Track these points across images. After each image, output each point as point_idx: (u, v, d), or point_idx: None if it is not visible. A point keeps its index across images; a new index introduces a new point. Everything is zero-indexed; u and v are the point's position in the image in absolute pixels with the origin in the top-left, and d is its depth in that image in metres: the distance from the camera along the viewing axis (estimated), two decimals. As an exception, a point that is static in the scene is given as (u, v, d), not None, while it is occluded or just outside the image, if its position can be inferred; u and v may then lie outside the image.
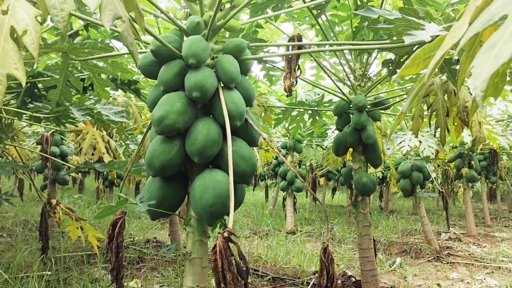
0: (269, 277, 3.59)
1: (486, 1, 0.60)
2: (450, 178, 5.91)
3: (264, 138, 1.71)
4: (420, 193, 5.27)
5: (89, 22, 3.00)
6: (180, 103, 1.57)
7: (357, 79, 3.19)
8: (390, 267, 4.33)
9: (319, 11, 2.73)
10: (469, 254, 5.13)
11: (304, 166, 11.51)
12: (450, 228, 7.27)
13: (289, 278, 3.59)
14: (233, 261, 1.20)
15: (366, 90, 3.16)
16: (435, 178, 6.89)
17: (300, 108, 3.77)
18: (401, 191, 5.29)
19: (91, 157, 3.29)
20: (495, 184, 10.55)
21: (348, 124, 3.15)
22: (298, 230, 6.29)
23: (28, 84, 2.88)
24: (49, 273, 3.29)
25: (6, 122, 3.16)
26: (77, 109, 2.76)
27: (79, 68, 2.96)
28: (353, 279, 3.35)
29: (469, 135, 4.17)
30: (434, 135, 2.33)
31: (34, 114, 2.92)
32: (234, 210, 1.67)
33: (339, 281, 3.30)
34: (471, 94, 2.31)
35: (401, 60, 2.13)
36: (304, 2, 2.68)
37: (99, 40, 2.43)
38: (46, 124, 3.57)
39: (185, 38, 1.78)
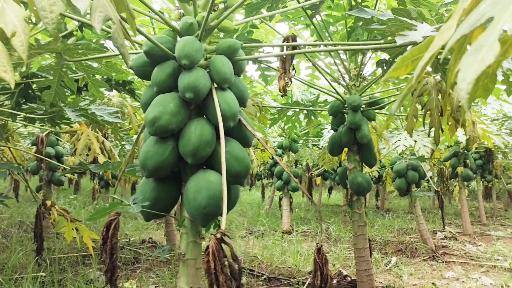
0: (264, 277, 3.59)
1: (475, 2, 0.60)
2: (446, 177, 5.93)
3: (258, 139, 1.71)
4: (415, 192, 5.28)
5: (83, 23, 2.99)
6: (173, 104, 1.57)
7: (352, 79, 3.19)
8: (386, 266, 4.34)
9: (313, 11, 2.73)
10: (465, 253, 5.15)
11: (300, 166, 11.53)
12: (446, 227, 7.28)
13: (284, 278, 3.59)
14: (226, 263, 1.20)
15: (361, 90, 3.16)
16: (430, 177, 6.91)
17: (295, 108, 3.77)
18: (397, 190, 5.30)
19: (85, 157, 3.27)
20: (490, 183, 10.59)
21: (343, 124, 3.16)
22: (294, 230, 6.29)
23: (22, 85, 2.86)
24: (44, 274, 3.28)
25: (1, 123, 3.15)
26: (71, 109, 2.75)
27: (74, 68, 2.96)
28: (349, 279, 3.36)
29: (463, 134, 4.18)
30: (429, 135, 2.33)
31: (28, 115, 2.91)
32: (228, 210, 1.67)
33: (335, 281, 3.30)
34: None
35: (395, 60, 2.13)
36: (299, 2, 2.68)
37: (94, 40, 2.43)
38: (41, 125, 3.56)
39: (178, 39, 1.78)
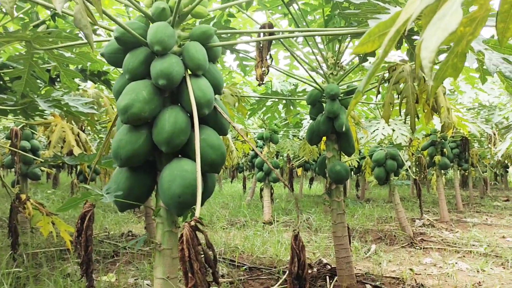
0: (245, 267, 3.59)
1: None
2: (423, 165, 6.02)
3: (234, 126, 1.69)
4: (394, 181, 5.35)
5: (56, 12, 2.91)
6: (146, 91, 1.54)
7: (330, 68, 3.19)
8: (366, 254, 4.39)
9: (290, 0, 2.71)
10: (442, 240, 5.24)
11: (281, 157, 11.55)
12: (424, 214, 7.41)
13: (265, 267, 3.60)
14: (201, 250, 1.18)
15: (339, 79, 3.17)
16: (409, 166, 7.01)
17: (274, 98, 3.76)
18: (376, 179, 5.35)
19: (60, 150, 3.20)
20: (467, 171, 10.81)
21: (321, 113, 3.16)
22: (275, 220, 6.31)
23: (-8, 75, 2.78)
24: (20, 269, 3.21)
25: (-30, 115, 3.05)
26: (43, 100, 2.68)
27: (46, 59, 2.88)
28: (329, 267, 3.38)
29: (440, 123, 4.23)
30: (404, 122, 2.35)
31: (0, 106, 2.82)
32: (205, 199, 1.65)
33: (315, 269, 3.32)
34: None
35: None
36: (275, -10, 2.66)
37: (68, 31, 2.36)
38: (16, 118, 3.47)
39: (151, 25, 1.74)
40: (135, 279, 3.22)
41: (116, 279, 3.19)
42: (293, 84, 4.48)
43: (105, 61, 3.49)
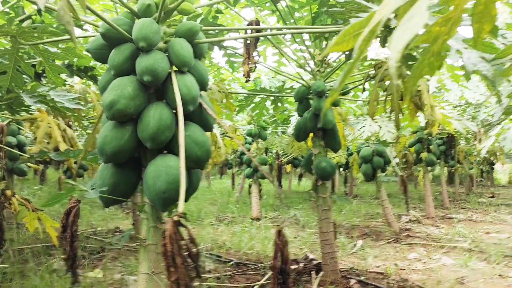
0: (232, 262, 3.61)
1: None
2: (409, 162, 6.09)
3: (219, 122, 1.70)
4: (381, 177, 5.40)
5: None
6: (131, 87, 1.54)
7: (317, 65, 3.21)
8: (352, 250, 4.43)
9: (277, -4, 2.72)
10: (427, 235, 5.31)
11: (270, 153, 11.58)
12: (411, 210, 7.49)
13: (252, 263, 3.62)
14: (184, 245, 1.19)
15: (326, 76, 3.19)
16: (397, 163, 7.08)
17: (262, 95, 3.77)
18: (363, 175, 5.40)
19: (46, 146, 3.19)
20: (453, 168, 10.94)
21: (308, 110, 3.18)
22: (263, 217, 6.34)
23: (-24, 70, 2.74)
24: (6, 265, 3.20)
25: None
26: (29, 95, 2.66)
27: (32, 53, 2.85)
28: (315, 262, 3.41)
29: (424, 120, 4.28)
30: (390, 119, 2.38)
31: (-16, 102, 2.80)
32: (190, 195, 1.66)
33: (301, 264, 3.35)
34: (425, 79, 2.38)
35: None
36: (262, -13, 2.67)
37: (54, 25, 2.35)
38: (1, 114, 3.43)
39: (136, 21, 1.74)
40: (121, 275, 3.22)
41: (102, 275, 3.18)
42: (281, 81, 4.50)
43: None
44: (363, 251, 4.36)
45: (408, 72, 2.33)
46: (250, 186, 6.81)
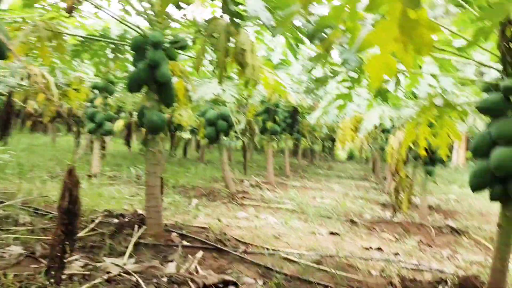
0: (51, 216, 3.39)
1: None
2: (253, 129, 6.39)
3: (10, 49, 1.53)
4: (224, 140, 5.57)
5: None
6: None
7: (157, 15, 3.11)
8: (186, 208, 4.52)
9: None
10: (261, 198, 5.69)
11: (124, 113, 11.11)
12: (254, 177, 7.93)
13: (75, 217, 3.45)
14: None
15: (165, 28, 3.11)
16: (244, 129, 7.35)
17: (100, 40, 3.52)
18: (207, 138, 5.51)
19: None
20: (298, 141, 11.87)
21: (143, 61, 3.07)
22: (104, 174, 6.08)
23: None
24: None
25: None
26: None
27: None
28: (142, 216, 3.39)
29: (266, 89, 4.49)
30: (214, 71, 2.42)
31: None
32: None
33: (126, 219, 3.30)
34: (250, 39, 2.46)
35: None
36: None
37: None
38: None
39: None
40: None
41: None
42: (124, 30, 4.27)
43: None
44: (197, 210, 4.48)
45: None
46: (92, 142, 6.44)
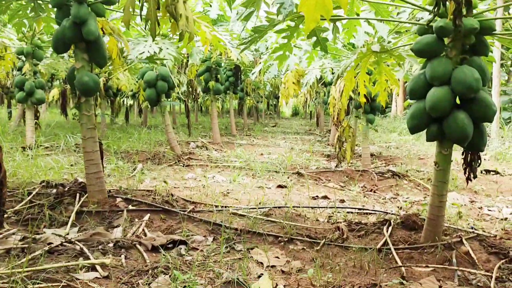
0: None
1: None
2: (194, 88, 6.24)
3: None
4: (165, 101, 5.40)
5: None
6: None
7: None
8: (131, 173, 4.39)
9: None
10: (208, 158, 5.64)
11: (58, 81, 10.49)
12: (200, 138, 7.83)
13: (9, 190, 3.24)
14: None
15: (89, -19, 2.87)
16: (184, 91, 7.18)
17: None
18: (147, 100, 5.32)
19: None
20: (243, 100, 11.80)
21: (68, 18, 2.84)
22: (40, 145, 5.75)
23: None
24: None
25: None
26: None
27: None
28: (83, 184, 3.24)
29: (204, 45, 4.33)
30: (145, 28, 2.28)
31: None
32: None
33: (66, 188, 3.15)
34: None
35: None
36: None
37: None
38: None
39: None
40: None
41: None
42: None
43: None
44: (142, 174, 4.37)
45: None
46: (24, 112, 6.04)
